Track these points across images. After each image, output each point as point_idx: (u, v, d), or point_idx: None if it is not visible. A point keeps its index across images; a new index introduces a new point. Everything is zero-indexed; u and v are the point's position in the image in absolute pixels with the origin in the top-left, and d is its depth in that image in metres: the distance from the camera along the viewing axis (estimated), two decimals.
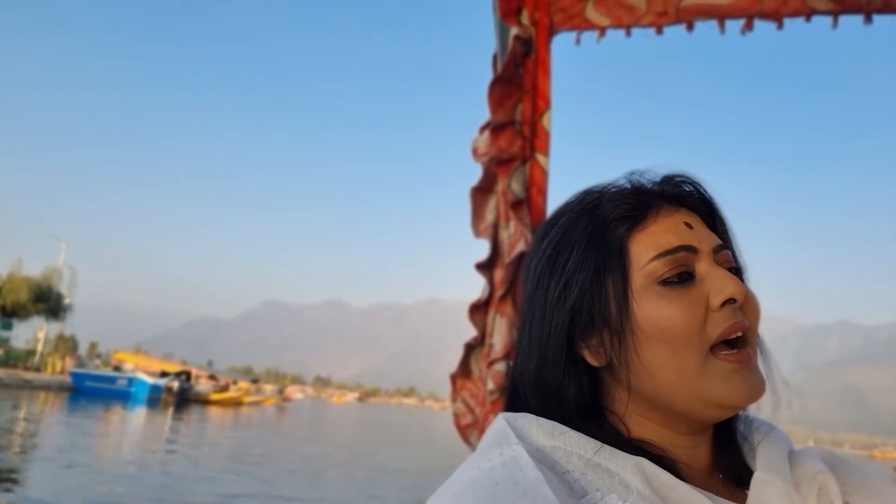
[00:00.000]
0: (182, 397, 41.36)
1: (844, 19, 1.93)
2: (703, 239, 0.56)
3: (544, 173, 2.19)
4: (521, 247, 2.15)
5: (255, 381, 63.82)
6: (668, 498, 0.49)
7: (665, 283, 0.54)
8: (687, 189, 0.60)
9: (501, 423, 0.55)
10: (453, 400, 2.23)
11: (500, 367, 2.13)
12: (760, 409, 0.58)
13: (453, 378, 2.25)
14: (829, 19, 1.94)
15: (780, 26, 1.97)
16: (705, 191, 0.60)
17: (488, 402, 2.12)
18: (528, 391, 0.58)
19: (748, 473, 0.57)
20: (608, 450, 0.51)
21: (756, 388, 0.53)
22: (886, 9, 1.90)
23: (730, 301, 0.53)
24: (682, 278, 0.54)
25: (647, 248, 0.55)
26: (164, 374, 43.89)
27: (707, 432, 0.58)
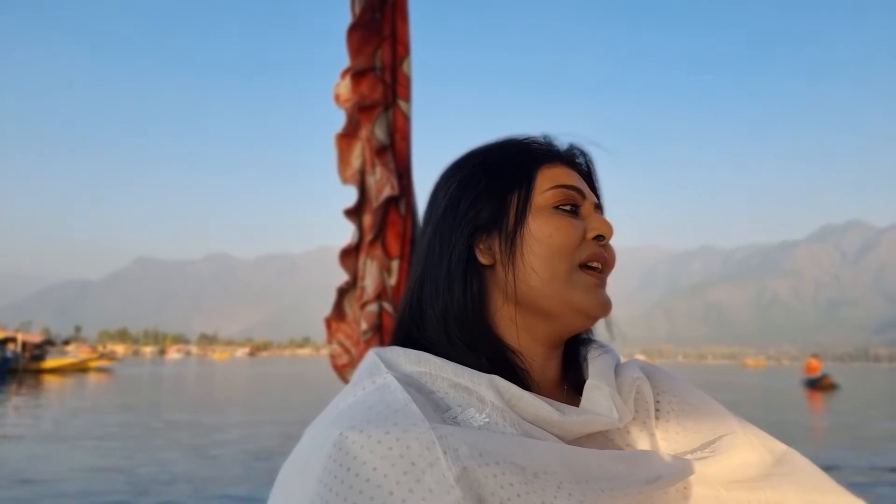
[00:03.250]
0: (5, 368, 37.53)
1: None
2: (589, 193, 0.71)
3: (407, 119, 2.24)
4: (387, 192, 2.22)
5: (49, 342, 52.55)
6: (517, 407, 0.58)
7: (558, 208, 0.67)
8: (581, 160, 0.73)
9: (371, 356, 0.63)
10: (329, 342, 2.31)
11: (373, 307, 2.22)
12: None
13: (328, 321, 2.32)
14: None
15: None
16: (593, 166, 0.75)
17: (362, 342, 2.22)
18: (429, 302, 0.67)
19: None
20: (467, 371, 0.60)
21: (608, 303, 0.67)
22: None
23: (600, 237, 0.68)
24: (571, 209, 0.68)
25: (549, 180, 0.68)
26: None
27: (558, 349, 0.70)
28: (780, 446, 0.66)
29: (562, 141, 0.73)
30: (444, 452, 0.49)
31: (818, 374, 35.85)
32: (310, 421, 0.58)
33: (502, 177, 0.68)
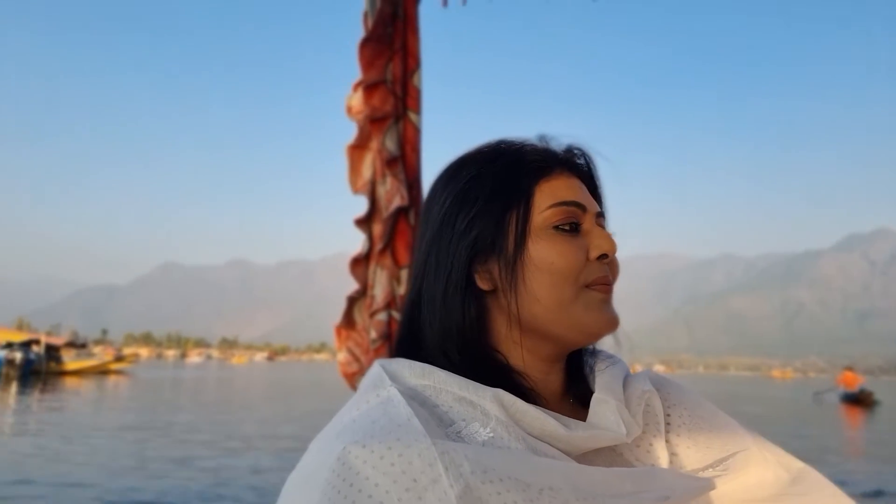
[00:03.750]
0: (28, 370, 37.89)
1: None
2: (590, 202, 0.67)
3: (417, 131, 2.28)
4: (397, 202, 2.26)
5: (72, 344, 54.30)
6: (522, 421, 0.57)
7: (558, 228, 0.64)
8: (582, 161, 0.70)
9: (377, 368, 0.63)
10: (339, 350, 2.34)
11: (382, 316, 2.25)
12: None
13: (338, 329, 2.35)
14: None
15: None
16: (594, 166, 0.71)
17: (371, 350, 2.25)
18: (427, 323, 0.65)
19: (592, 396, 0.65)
20: (472, 384, 0.58)
21: (615, 319, 0.64)
22: None
23: (604, 256, 0.65)
24: (571, 227, 0.64)
25: (548, 197, 0.64)
26: (9, 345, 39.59)
27: (561, 361, 0.68)
28: (797, 463, 0.63)
29: (560, 142, 0.69)
30: (447, 469, 0.48)
31: (856, 388, 34.34)
32: (320, 429, 0.58)
33: (498, 194, 0.65)
